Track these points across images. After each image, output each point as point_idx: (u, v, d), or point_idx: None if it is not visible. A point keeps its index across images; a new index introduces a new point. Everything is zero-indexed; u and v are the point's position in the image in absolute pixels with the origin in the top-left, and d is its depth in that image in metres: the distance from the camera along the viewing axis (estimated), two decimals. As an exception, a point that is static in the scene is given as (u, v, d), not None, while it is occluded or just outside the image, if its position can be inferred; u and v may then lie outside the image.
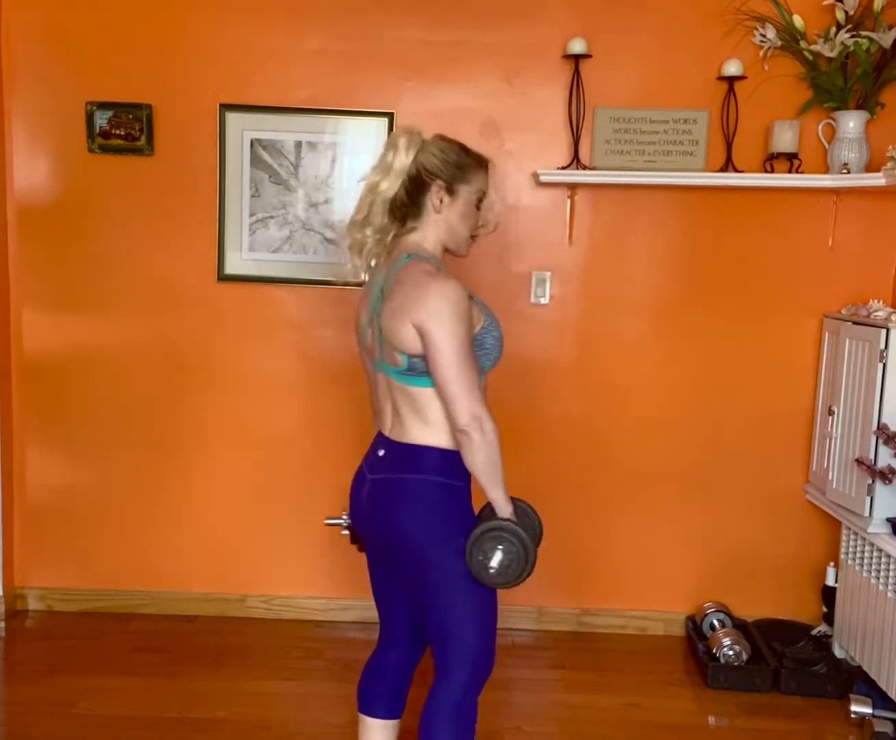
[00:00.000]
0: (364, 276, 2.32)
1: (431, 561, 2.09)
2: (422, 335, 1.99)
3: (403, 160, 2.10)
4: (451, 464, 2.09)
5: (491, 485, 2.07)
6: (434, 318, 1.97)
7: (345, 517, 2.38)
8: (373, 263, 2.21)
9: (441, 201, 2.12)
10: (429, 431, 2.09)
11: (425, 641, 2.32)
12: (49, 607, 3.61)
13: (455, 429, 2.02)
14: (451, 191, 2.12)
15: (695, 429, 3.50)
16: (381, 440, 2.19)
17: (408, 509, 2.09)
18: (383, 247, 2.19)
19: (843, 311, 3.33)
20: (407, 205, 2.13)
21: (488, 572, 2.06)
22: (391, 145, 2.12)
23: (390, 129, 3.33)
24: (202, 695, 3.02)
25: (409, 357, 2.03)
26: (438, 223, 2.14)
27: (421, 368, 2.04)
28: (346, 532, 2.40)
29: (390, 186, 2.11)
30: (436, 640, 2.16)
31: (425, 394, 2.06)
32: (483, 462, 2.04)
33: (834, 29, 3.14)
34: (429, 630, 2.17)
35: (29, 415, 3.53)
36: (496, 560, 2.06)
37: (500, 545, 2.06)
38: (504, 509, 2.09)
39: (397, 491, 2.10)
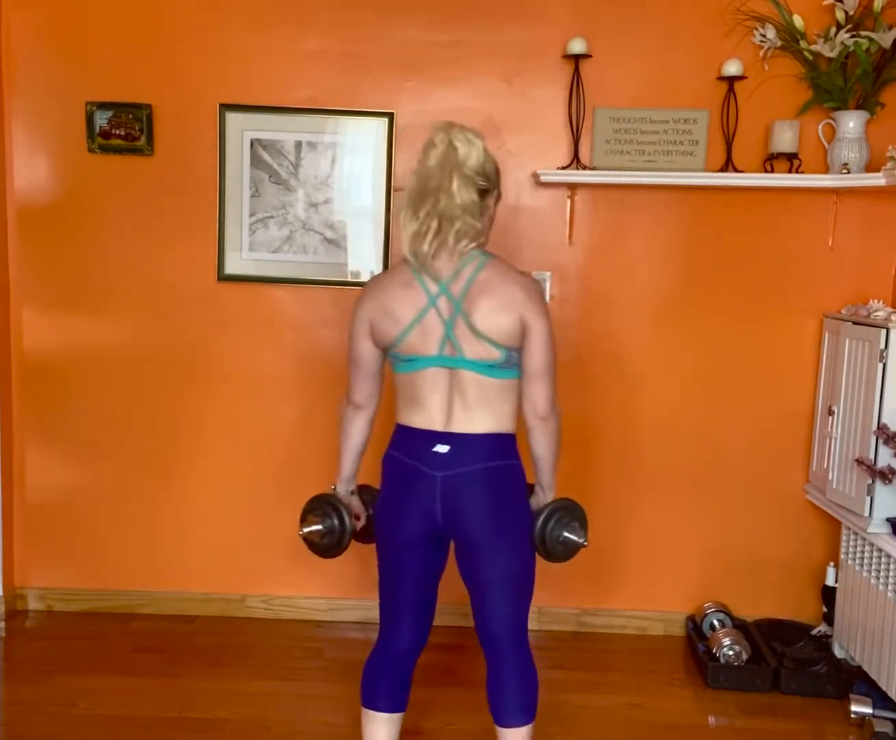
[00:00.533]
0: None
1: (516, 540, 2.24)
2: (528, 329, 2.14)
3: (482, 160, 2.14)
4: (514, 447, 2.25)
5: (552, 468, 2.29)
6: (540, 314, 2.17)
7: (321, 524, 2.35)
8: (424, 251, 2.13)
9: (492, 207, 2.24)
10: (497, 420, 2.19)
11: (428, 632, 2.38)
12: (49, 607, 3.61)
13: (535, 416, 2.19)
14: (497, 201, 2.26)
15: (695, 430, 3.49)
16: (432, 436, 2.19)
17: (498, 495, 2.20)
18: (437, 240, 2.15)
19: (843, 311, 3.33)
20: (476, 203, 2.13)
21: (581, 544, 2.28)
22: (470, 143, 2.11)
23: (390, 129, 3.33)
24: (202, 695, 3.02)
25: (507, 350, 2.15)
26: (484, 227, 2.21)
27: (514, 360, 2.17)
28: (326, 537, 2.36)
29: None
30: (510, 615, 2.27)
31: (505, 385, 2.19)
32: (554, 447, 2.26)
33: (834, 29, 3.14)
34: (506, 606, 2.26)
35: (29, 415, 3.53)
36: (581, 532, 2.28)
37: (575, 520, 2.29)
38: (554, 490, 2.32)
39: (486, 480, 2.18)
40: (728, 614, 3.44)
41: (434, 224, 2.10)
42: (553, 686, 3.11)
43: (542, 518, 2.25)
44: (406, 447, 2.24)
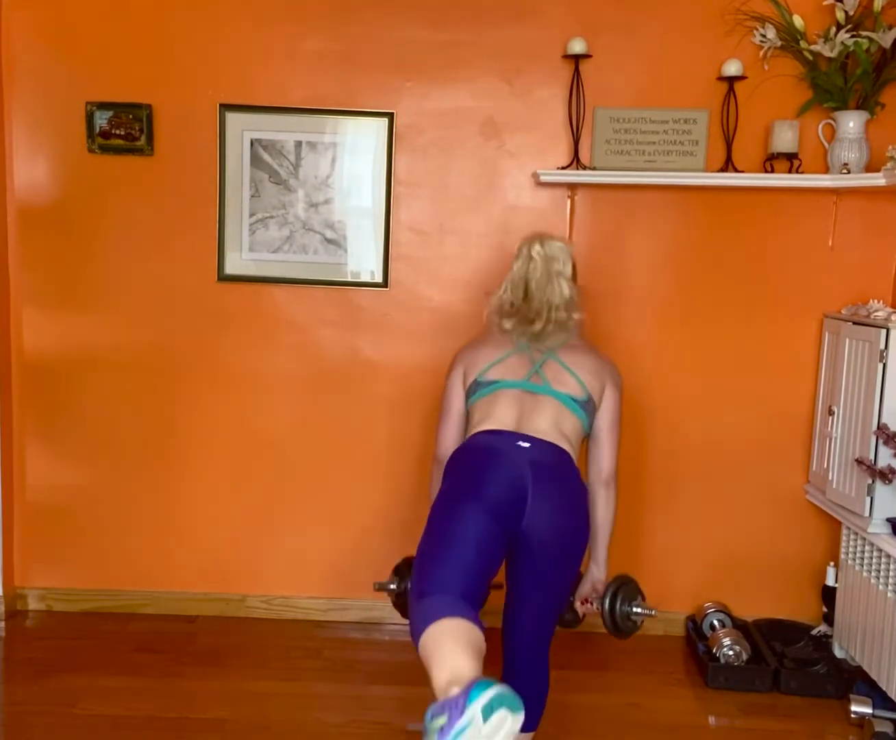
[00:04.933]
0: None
1: (576, 555, 2.38)
2: (605, 393, 2.45)
3: (571, 261, 2.52)
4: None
5: (608, 539, 2.46)
6: (618, 387, 2.49)
7: (391, 584, 2.50)
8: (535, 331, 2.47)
9: None
10: (566, 443, 2.37)
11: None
12: (49, 607, 3.61)
13: (599, 481, 2.43)
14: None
15: (695, 429, 3.49)
16: (510, 434, 2.33)
17: (572, 502, 2.35)
18: None
19: (843, 311, 3.33)
20: (576, 299, 2.49)
21: (652, 615, 2.46)
22: (563, 250, 2.50)
23: (390, 129, 3.33)
24: (202, 695, 3.02)
25: (588, 392, 2.42)
26: (582, 314, 2.53)
27: (590, 409, 2.43)
28: (398, 598, 2.50)
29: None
30: (541, 629, 2.41)
31: (577, 427, 2.41)
32: (613, 517, 2.45)
33: (834, 29, 3.14)
34: (542, 618, 2.38)
35: (29, 415, 3.53)
36: (647, 605, 2.46)
37: (638, 594, 2.47)
38: (608, 566, 2.50)
39: (566, 478, 2.34)
40: (728, 614, 3.44)
41: (547, 315, 2.42)
42: (553, 685, 3.10)
43: (608, 597, 2.38)
44: (482, 440, 2.34)
